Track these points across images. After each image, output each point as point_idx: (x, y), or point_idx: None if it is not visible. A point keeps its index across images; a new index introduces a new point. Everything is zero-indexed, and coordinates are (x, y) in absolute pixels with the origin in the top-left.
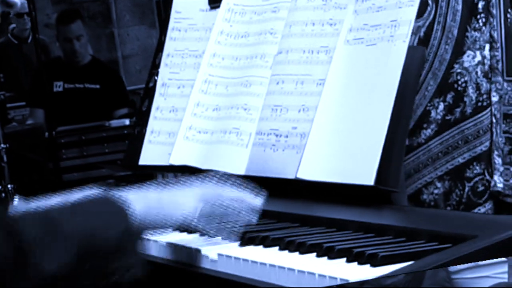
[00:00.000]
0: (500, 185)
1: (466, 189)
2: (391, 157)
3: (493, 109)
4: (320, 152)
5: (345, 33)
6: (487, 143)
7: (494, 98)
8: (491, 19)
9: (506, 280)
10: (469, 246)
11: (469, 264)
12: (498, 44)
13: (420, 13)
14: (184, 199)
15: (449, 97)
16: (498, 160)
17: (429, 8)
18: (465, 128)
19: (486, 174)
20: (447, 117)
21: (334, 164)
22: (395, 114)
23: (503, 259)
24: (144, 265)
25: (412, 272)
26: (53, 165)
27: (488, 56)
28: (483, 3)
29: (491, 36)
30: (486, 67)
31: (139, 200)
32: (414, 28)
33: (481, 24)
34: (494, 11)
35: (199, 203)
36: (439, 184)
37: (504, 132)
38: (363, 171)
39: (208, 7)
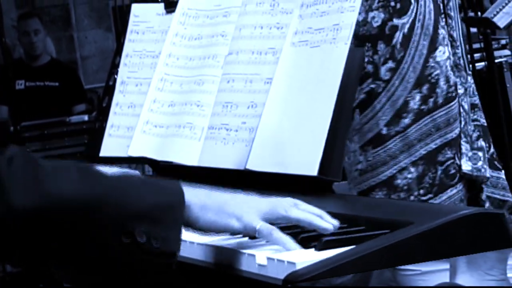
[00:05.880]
0: (468, 168)
1: (439, 172)
2: (333, 150)
3: (460, 100)
4: (268, 145)
5: (291, 36)
6: (457, 130)
7: (460, 91)
8: (450, 21)
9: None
10: (406, 232)
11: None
12: (458, 43)
13: (404, 11)
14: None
15: (424, 88)
16: (466, 146)
17: (411, 7)
18: (438, 117)
19: (456, 158)
20: (422, 107)
21: (281, 156)
22: (337, 110)
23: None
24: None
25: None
26: None
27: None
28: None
29: (450, 36)
30: (451, 61)
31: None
32: (398, 25)
33: (443, 23)
34: (452, 13)
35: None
36: (412, 169)
37: (473, 120)
38: (307, 163)
39: (164, 11)
